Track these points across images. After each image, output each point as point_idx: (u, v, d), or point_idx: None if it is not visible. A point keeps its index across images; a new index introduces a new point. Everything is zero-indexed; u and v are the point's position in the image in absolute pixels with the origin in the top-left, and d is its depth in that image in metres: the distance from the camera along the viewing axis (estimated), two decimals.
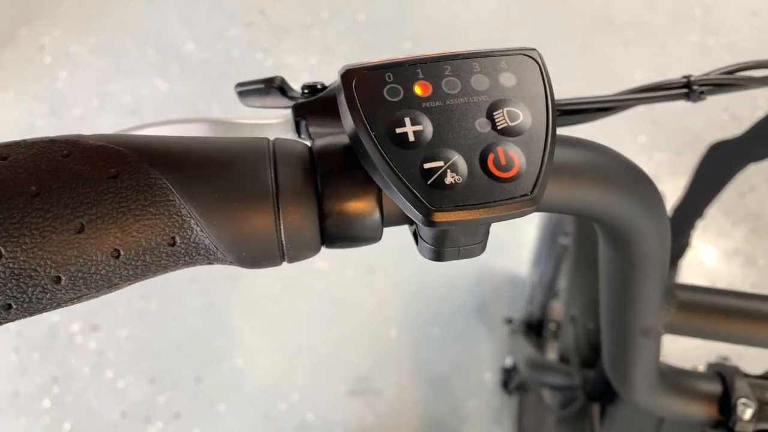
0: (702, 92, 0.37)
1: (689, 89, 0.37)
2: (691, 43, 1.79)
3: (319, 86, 0.29)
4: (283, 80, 0.30)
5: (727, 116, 1.67)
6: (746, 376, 0.52)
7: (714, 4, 1.85)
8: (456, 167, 0.22)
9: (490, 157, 0.22)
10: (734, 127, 1.65)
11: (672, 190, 1.51)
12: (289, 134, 0.31)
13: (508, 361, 1.32)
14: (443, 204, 0.22)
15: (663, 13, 1.84)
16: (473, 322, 1.49)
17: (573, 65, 1.76)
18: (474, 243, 0.25)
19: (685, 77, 0.37)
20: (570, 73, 1.75)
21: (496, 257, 1.53)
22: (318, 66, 1.77)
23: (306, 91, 0.29)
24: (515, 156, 0.22)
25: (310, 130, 0.29)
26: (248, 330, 1.48)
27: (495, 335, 1.47)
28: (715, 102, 1.67)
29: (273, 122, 0.31)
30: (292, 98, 0.29)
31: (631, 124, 1.66)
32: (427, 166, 0.22)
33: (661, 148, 1.64)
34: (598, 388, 0.80)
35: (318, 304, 1.50)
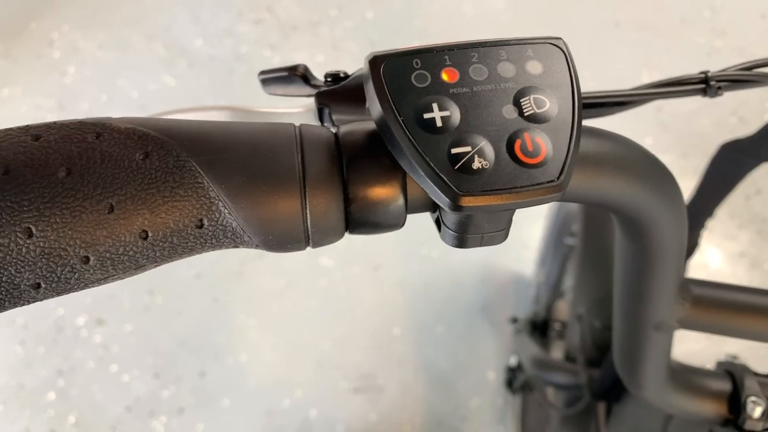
0: (719, 88, 0.37)
1: (707, 84, 0.37)
2: (699, 45, 1.79)
3: (342, 74, 0.30)
4: (306, 68, 0.30)
5: (735, 119, 1.67)
6: (756, 374, 0.53)
7: (722, 7, 1.85)
8: (483, 153, 0.22)
9: (517, 143, 0.22)
10: (742, 130, 1.64)
11: None
12: (312, 122, 0.31)
13: (513, 360, 1.32)
14: (471, 189, 0.22)
15: (671, 14, 1.84)
16: (477, 321, 1.49)
17: (580, 66, 1.75)
18: (497, 230, 0.25)
19: (702, 73, 0.37)
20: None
21: (501, 257, 1.53)
22: (325, 63, 1.77)
23: (329, 79, 0.29)
24: (542, 142, 0.23)
25: (334, 117, 0.29)
26: (253, 326, 1.49)
27: (499, 334, 1.47)
28: (723, 104, 1.67)
29: (295, 111, 0.31)
30: (315, 86, 0.30)
31: (639, 126, 1.66)
32: (454, 151, 0.22)
33: (668, 150, 1.64)
34: (604, 386, 0.80)
35: (322, 300, 1.50)
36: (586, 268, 0.96)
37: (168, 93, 1.76)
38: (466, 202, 0.22)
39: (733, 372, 0.53)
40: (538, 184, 0.22)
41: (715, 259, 1.52)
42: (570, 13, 1.86)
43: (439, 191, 0.22)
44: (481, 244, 0.26)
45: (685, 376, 0.51)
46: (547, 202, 0.23)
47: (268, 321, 1.49)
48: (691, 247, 0.75)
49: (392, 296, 1.50)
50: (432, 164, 0.22)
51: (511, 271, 1.53)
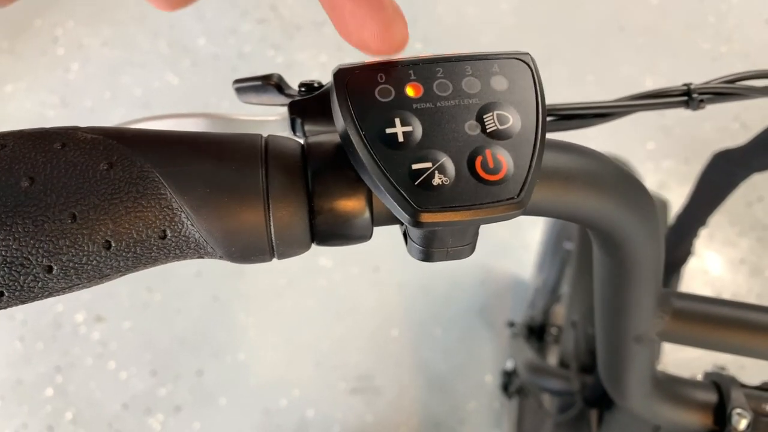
0: (702, 100, 0.37)
1: (689, 97, 0.37)
2: (704, 51, 1.78)
3: (315, 84, 0.30)
4: (280, 78, 0.30)
5: (738, 125, 1.66)
6: (743, 386, 0.52)
7: (728, 12, 1.84)
8: (444, 169, 0.22)
9: (478, 159, 0.22)
10: (744, 136, 1.63)
11: (679, 198, 1.51)
12: (286, 132, 0.31)
13: (509, 364, 1.32)
14: (430, 205, 0.22)
15: (676, 19, 1.84)
16: (475, 323, 1.49)
17: (583, 69, 1.76)
18: (462, 245, 0.25)
19: (685, 85, 0.37)
20: (580, 77, 1.75)
21: (499, 260, 1.53)
22: (329, 64, 1.77)
23: (303, 89, 0.29)
24: (503, 159, 0.23)
25: (306, 128, 0.29)
26: (251, 325, 1.49)
27: (497, 338, 1.46)
28: (725, 110, 1.66)
29: (270, 119, 0.31)
30: (288, 96, 0.30)
31: (640, 131, 1.66)
32: (415, 167, 0.22)
33: (670, 156, 1.64)
34: (596, 394, 0.80)
35: (322, 300, 1.50)
36: (581, 275, 0.96)
37: (171, 91, 1.77)
38: (426, 218, 0.22)
39: (719, 383, 0.53)
40: (498, 201, 0.22)
41: (715, 265, 1.52)
42: (574, 16, 1.86)
43: (399, 207, 0.22)
44: (447, 258, 0.26)
45: (670, 387, 0.51)
46: (509, 219, 0.23)
47: (267, 320, 1.49)
48: (684, 255, 0.76)
49: (391, 297, 1.50)
50: (392, 180, 0.22)
51: (510, 273, 1.53)
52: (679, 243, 0.70)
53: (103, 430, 1.41)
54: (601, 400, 0.80)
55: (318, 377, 1.44)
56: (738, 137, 1.62)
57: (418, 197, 0.22)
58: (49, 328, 1.49)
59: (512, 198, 0.22)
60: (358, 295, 1.50)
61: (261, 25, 1.85)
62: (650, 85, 1.72)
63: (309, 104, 0.29)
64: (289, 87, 0.30)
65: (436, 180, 0.22)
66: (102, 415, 1.42)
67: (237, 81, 0.31)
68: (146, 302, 1.51)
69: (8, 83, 1.78)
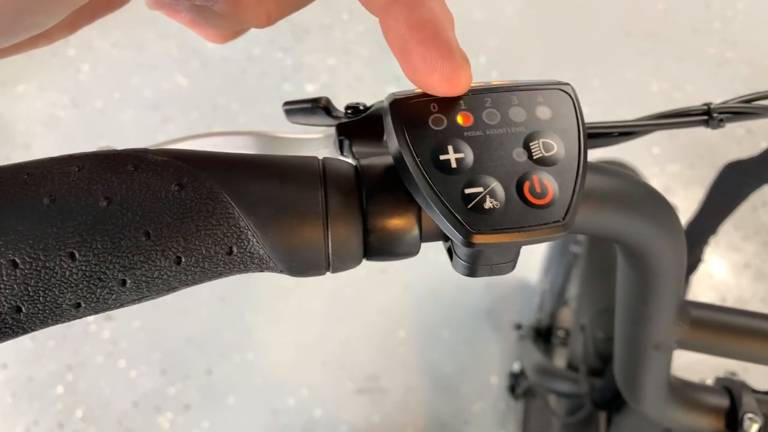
0: (721, 120, 0.39)
1: (709, 116, 0.38)
2: (710, 56, 1.80)
3: (361, 107, 0.31)
4: (328, 100, 0.32)
5: (743, 130, 1.68)
6: (754, 391, 0.54)
7: (733, 18, 1.86)
8: (494, 193, 0.24)
9: (526, 184, 0.24)
10: (750, 142, 1.65)
11: (683, 203, 1.53)
12: (331, 148, 0.33)
13: (516, 366, 1.34)
14: (482, 227, 0.23)
15: (682, 25, 1.85)
16: (482, 325, 1.50)
17: (589, 74, 1.77)
18: (506, 262, 0.27)
19: (705, 104, 0.39)
20: (586, 82, 1.76)
21: None
22: (337, 66, 1.79)
23: (349, 111, 0.31)
24: (549, 184, 0.24)
25: (354, 149, 0.30)
26: (260, 325, 1.50)
27: (503, 340, 1.48)
28: None
29: (315, 137, 0.33)
30: (336, 117, 0.31)
31: (646, 136, 1.67)
32: (467, 191, 0.24)
33: (675, 160, 1.65)
34: (605, 396, 0.82)
35: (329, 301, 1.52)
36: (589, 280, 0.97)
37: (180, 93, 1.78)
38: (478, 239, 0.23)
39: (731, 388, 0.54)
40: (545, 224, 0.24)
41: (719, 269, 1.53)
42: (581, 20, 1.87)
43: (452, 228, 0.23)
44: (490, 274, 0.27)
45: (684, 392, 0.53)
46: (554, 240, 0.24)
47: (275, 320, 1.51)
48: (694, 263, 0.77)
49: (398, 299, 1.52)
50: (446, 203, 0.23)
51: (517, 277, 1.55)
52: (689, 251, 0.71)
53: (113, 428, 1.42)
54: (610, 403, 0.82)
55: (325, 377, 1.45)
56: (743, 143, 1.63)
57: (471, 220, 0.23)
58: (60, 327, 1.50)
59: (558, 221, 0.24)
60: (365, 296, 1.52)
61: (270, 28, 1.86)
62: (656, 90, 1.73)
63: (356, 126, 0.31)
64: (336, 109, 0.32)
65: (488, 204, 0.24)
66: (112, 413, 1.43)
67: (287, 103, 0.32)
68: (155, 302, 1.52)
69: (20, 83, 1.79)
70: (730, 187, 0.63)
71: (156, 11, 0.30)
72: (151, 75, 1.81)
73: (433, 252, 1.54)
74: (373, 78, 1.75)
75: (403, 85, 0.32)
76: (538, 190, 0.24)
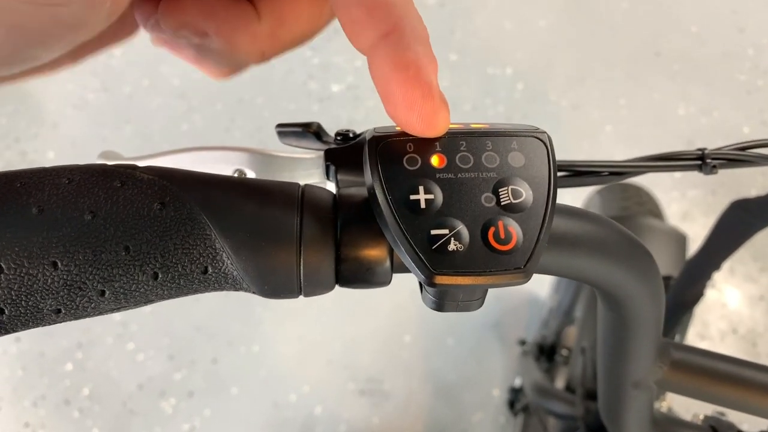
0: (714, 166, 0.39)
1: (702, 162, 0.39)
2: (740, 83, 1.77)
3: (351, 134, 0.32)
4: (319, 126, 0.32)
5: None
6: None
7: (767, 46, 1.83)
8: (459, 236, 0.24)
9: (491, 230, 0.25)
10: None
11: (702, 230, 1.51)
12: (319, 170, 0.34)
13: (517, 382, 1.34)
14: (444, 268, 0.24)
15: (713, 48, 1.83)
16: (488, 337, 1.50)
17: (616, 93, 1.76)
18: (472, 299, 0.28)
19: (699, 150, 0.39)
20: (612, 100, 1.75)
21: None
22: (363, 69, 1.79)
23: (339, 138, 0.32)
24: (514, 231, 0.25)
25: (339, 175, 0.31)
26: (268, 319, 1.52)
27: (508, 353, 1.48)
28: None
29: (304, 156, 0.34)
30: (325, 143, 0.32)
31: None
32: (433, 232, 0.24)
33: (696, 186, 1.63)
34: (599, 421, 0.82)
35: (337, 302, 1.53)
36: (593, 303, 0.97)
37: (207, 84, 1.81)
38: (439, 280, 0.24)
39: (717, 428, 0.54)
40: (505, 270, 0.24)
41: (733, 299, 1.52)
42: (611, 38, 1.86)
43: (416, 267, 0.24)
44: (456, 310, 0.28)
45: (669, 429, 0.53)
46: (514, 285, 0.25)
47: (283, 316, 1.53)
48: (696, 297, 0.76)
49: (406, 304, 1.53)
50: (412, 242, 0.24)
51: (527, 291, 1.54)
52: (691, 284, 0.71)
53: (117, 409, 1.45)
54: (603, 428, 0.82)
55: (328, 375, 1.47)
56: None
57: (434, 260, 0.24)
58: None
59: (519, 268, 0.24)
60: (373, 299, 1.53)
61: None
62: (682, 113, 1.72)
63: (343, 153, 0.31)
64: (326, 134, 0.33)
65: (452, 246, 0.24)
66: (117, 394, 1.46)
67: (279, 125, 0.33)
68: None
69: None
70: (735, 225, 0.63)
71: (161, 48, 0.32)
72: (180, 64, 1.83)
73: None
74: None
75: None
76: (502, 236, 0.25)
